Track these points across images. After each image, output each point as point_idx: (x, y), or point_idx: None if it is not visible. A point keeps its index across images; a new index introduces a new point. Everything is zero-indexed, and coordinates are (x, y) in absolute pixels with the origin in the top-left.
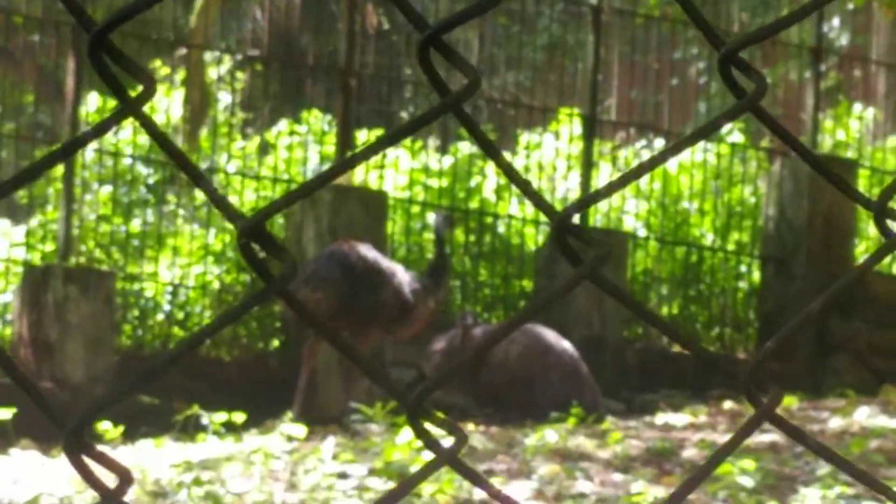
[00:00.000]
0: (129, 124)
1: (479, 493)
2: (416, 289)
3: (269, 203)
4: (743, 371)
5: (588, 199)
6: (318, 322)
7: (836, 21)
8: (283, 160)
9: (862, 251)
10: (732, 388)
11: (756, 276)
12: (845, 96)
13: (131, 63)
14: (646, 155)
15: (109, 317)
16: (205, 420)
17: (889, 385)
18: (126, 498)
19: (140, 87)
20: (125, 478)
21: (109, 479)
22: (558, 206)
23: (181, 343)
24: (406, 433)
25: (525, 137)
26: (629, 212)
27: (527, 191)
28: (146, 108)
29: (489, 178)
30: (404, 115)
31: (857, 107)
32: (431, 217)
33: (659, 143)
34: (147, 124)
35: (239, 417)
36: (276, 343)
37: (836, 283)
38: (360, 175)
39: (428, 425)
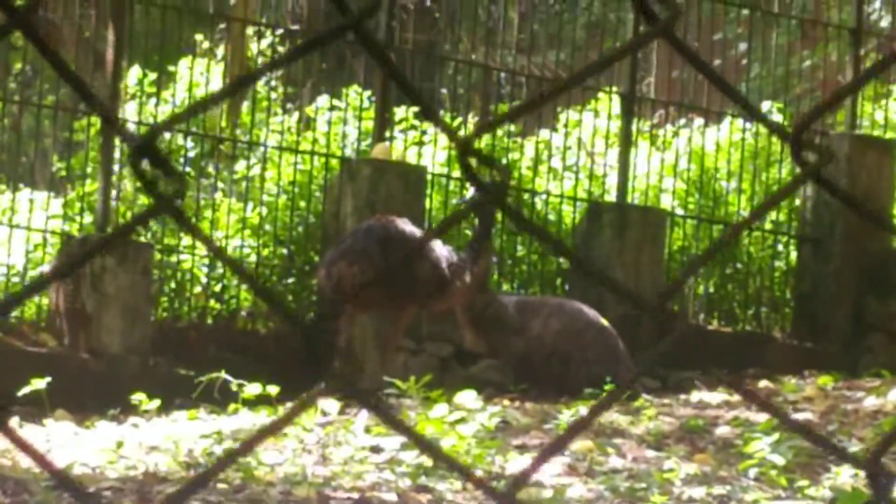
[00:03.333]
0: (170, 97)
1: (511, 467)
2: (454, 263)
3: (167, 119)
4: (652, 301)
5: (492, 122)
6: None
7: (877, 1)
8: (323, 134)
9: None
10: (768, 367)
11: (793, 255)
12: (885, 78)
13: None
14: (685, 133)
15: (146, 288)
16: (234, 388)
17: None
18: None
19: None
20: None
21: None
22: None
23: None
24: (440, 408)
25: (565, 115)
26: (667, 190)
27: (434, 118)
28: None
29: (525, 155)
30: (444, 91)
31: None
32: (470, 192)
33: (698, 122)
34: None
35: (273, 390)
36: (312, 316)
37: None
38: (400, 150)
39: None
